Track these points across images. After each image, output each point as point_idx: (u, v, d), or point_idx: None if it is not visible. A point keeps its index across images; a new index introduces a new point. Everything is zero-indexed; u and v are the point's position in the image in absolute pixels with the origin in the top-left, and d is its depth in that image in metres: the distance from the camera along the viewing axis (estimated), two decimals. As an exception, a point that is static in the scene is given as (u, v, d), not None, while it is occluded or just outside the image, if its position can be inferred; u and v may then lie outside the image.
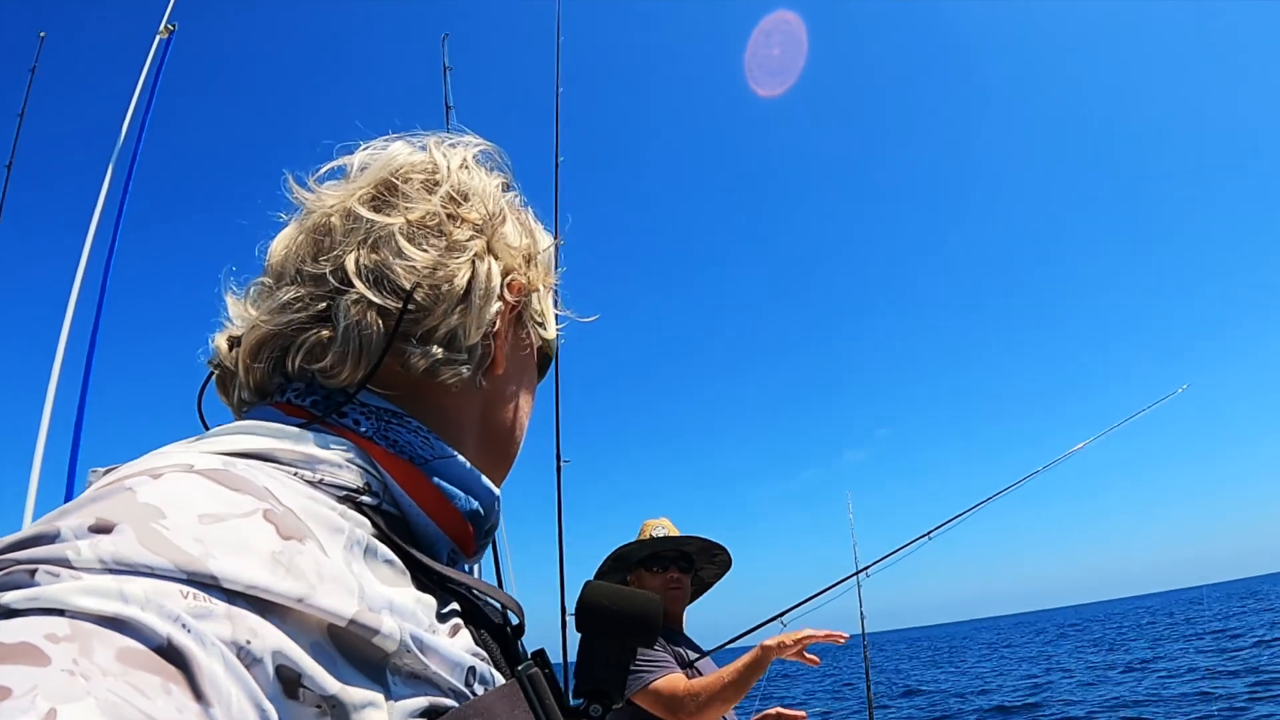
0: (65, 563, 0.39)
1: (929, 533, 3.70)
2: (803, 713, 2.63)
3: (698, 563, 3.10)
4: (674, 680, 2.64)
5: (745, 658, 2.69)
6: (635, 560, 3.02)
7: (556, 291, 0.82)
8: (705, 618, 3.16)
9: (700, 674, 2.79)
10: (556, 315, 0.82)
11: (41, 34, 5.11)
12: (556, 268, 0.82)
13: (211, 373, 0.70)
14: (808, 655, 2.71)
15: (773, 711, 2.69)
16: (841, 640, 2.71)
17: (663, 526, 3.04)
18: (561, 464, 3.73)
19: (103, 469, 0.51)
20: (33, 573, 0.39)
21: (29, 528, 0.42)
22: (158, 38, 3.39)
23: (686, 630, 3.07)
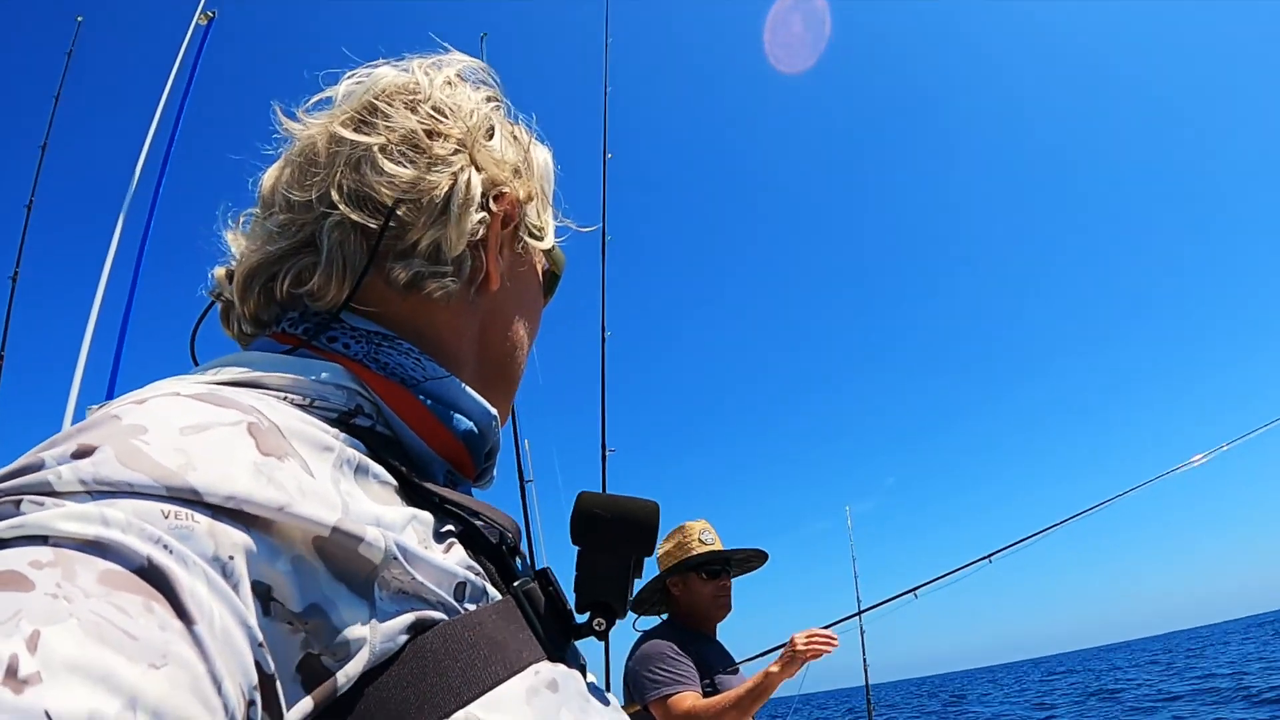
0: (48, 489, 0.40)
1: (917, 588, 3.83)
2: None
3: (733, 569, 3.14)
4: (683, 698, 2.67)
5: (750, 682, 2.72)
6: (689, 566, 3.03)
7: (557, 204, 0.81)
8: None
9: (717, 688, 2.80)
10: (557, 227, 0.80)
11: (79, 18, 5.10)
12: (553, 179, 0.80)
13: (209, 305, 0.71)
14: (822, 645, 2.77)
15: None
16: (834, 644, 2.77)
17: (707, 530, 3.08)
18: (607, 453, 3.70)
19: (97, 406, 0.51)
20: (18, 503, 0.40)
21: (17, 460, 0.43)
22: (194, 23, 3.36)
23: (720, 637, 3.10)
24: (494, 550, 0.62)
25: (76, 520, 0.38)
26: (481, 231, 0.68)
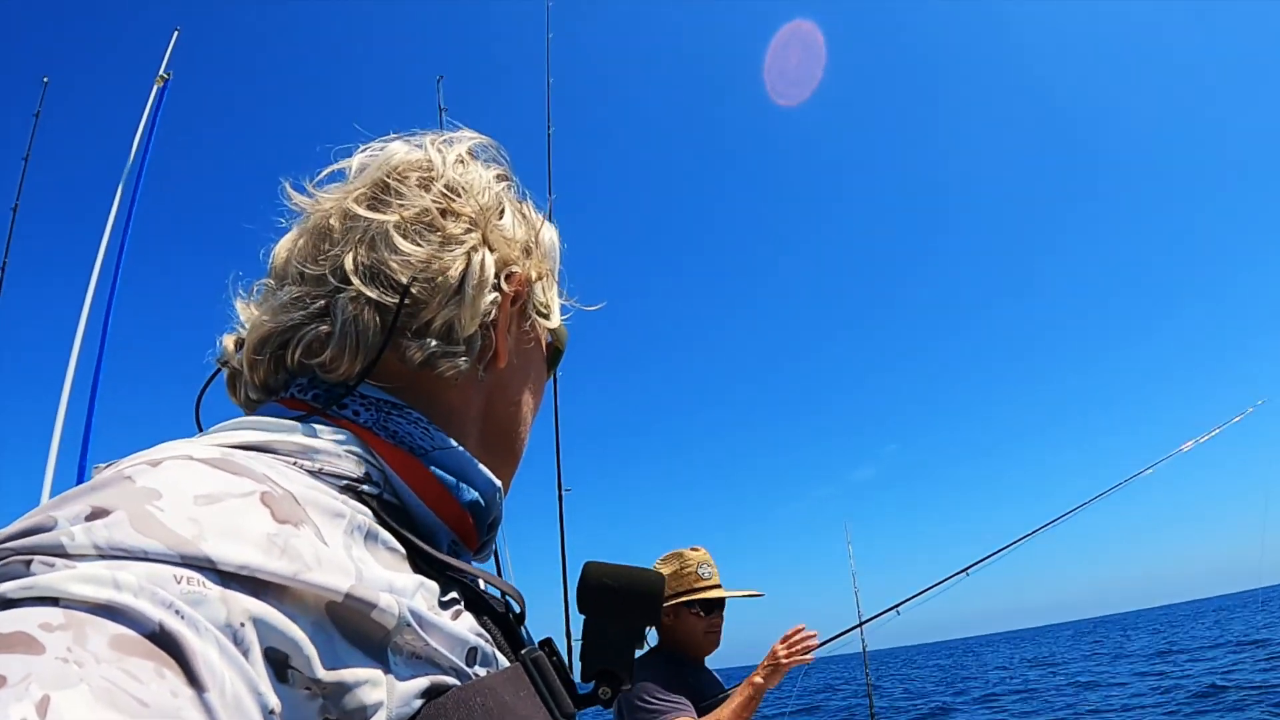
0: (60, 550, 0.40)
1: (907, 598, 3.72)
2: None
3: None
4: None
5: (740, 696, 2.71)
6: (686, 600, 3.01)
7: (561, 283, 0.82)
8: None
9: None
10: (562, 305, 0.81)
11: (45, 79, 5.21)
12: (558, 257, 0.81)
13: (215, 372, 0.72)
14: (802, 656, 2.80)
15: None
16: (813, 646, 2.81)
17: (706, 563, 3.05)
18: (563, 492, 3.74)
19: (104, 464, 0.51)
20: (28, 563, 0.39)
21: (27, 517, 0.42)
22: (155, 86, 3.48)
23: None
24: (501, 617, 0.64)
25: (89, 583, 0.38)
26: (494, 312, 0.69)
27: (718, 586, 3.02)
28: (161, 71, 3.46)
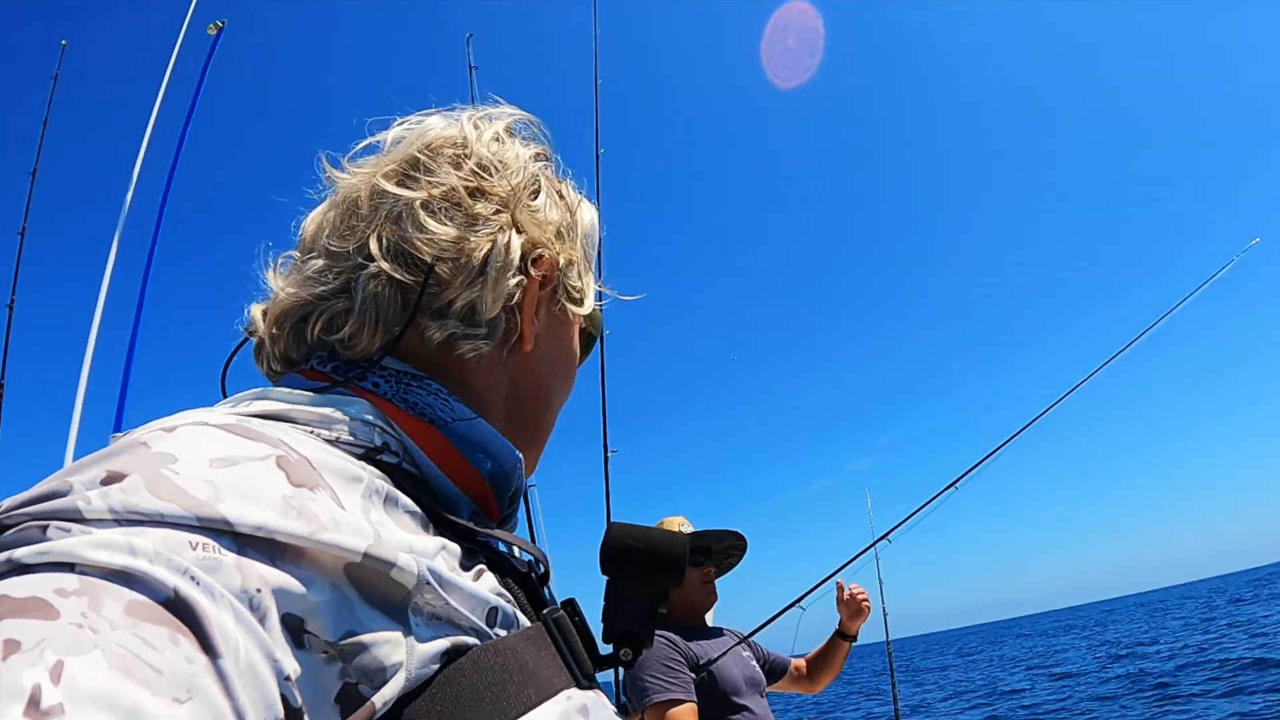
0: (77, 515, 0.39)
1: (953, 483, 3.67)
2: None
3: (716, 558, 3.16)
4: (682, 717, 2.61)
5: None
6: None
7: (599, 268, 0.80)
8: (725, 610, 3.20)
9: (715, 677, 2.80)
10: (598, 293, 0.79)
11: (63, 41, 5.12)
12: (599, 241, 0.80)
13: (242, 341, 0.72)
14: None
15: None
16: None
17: (685, 525, 3.09)
18: (609, 454, 3.74)
19: (122, 432, 0.51)
20: (44, 528, 0.39)
21: (43, 483, 0.42)
22: (194, 33, 3.41)
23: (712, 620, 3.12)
24: (524, 578, 0.63)
25: (104, 549, 0.38)
26: (518, 295, 0.68)
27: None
28: (216, 20, 3.37)
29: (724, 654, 2.86)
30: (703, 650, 2.84)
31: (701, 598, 3.02)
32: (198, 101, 3.39)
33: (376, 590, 0.47)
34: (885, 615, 6.19)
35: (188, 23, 3.78)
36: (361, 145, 0.73)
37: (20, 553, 0.38)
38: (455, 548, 0.56)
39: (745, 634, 3.13)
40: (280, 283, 0.68)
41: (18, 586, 0.36)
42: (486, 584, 0.56)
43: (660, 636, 2.77)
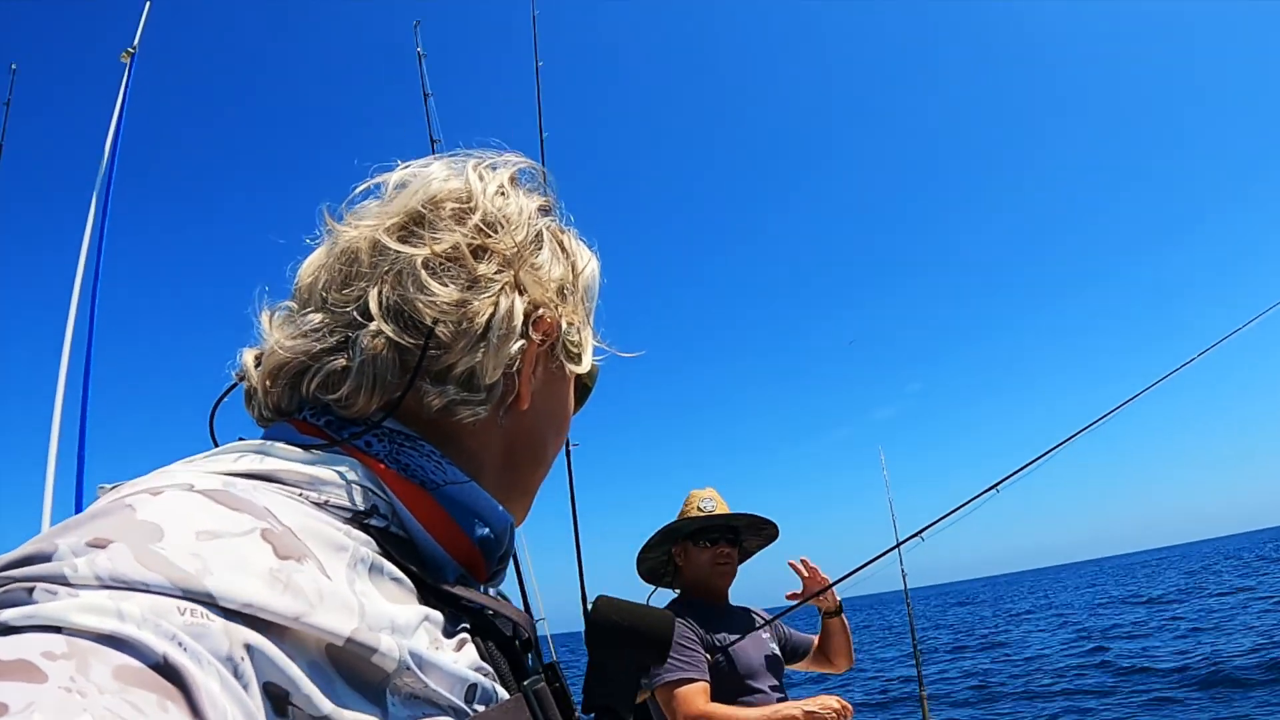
0: (62, 580, 0.39)
1: (995, 485, 3.43)
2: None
3: (744, 536, 3.09)
4: (693, 696, 2.60)
5: (767, 710, 2.59)
6: (684, 534, 3.01)
7: (596, 321, 0.79)
8: (744, 581, 3.15)
9: (733, 660, 2.78)
10: (595, 348, 0.77)
11: (13, 66, 5.09)
12: (596, 295, 0.79)
13: (232, 385, 0.70)
14: None
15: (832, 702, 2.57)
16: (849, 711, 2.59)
17: (710, 498, 3.03)
18: (570, 447, 3.74)
19: (110, 485, 0.51)
20: (30, 590, 0.39)
21: (27, 545, 0.42)
22: (124, 62, 3.39)
23: (732, 597, 3.08)
24: (507, 643, 0.63)
25: (92, 613, 0.38)
26: (519, 361, 0.67)
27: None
28: (130, 46, 3.37)
29: (741, 637, 2.83)
30: (722, 633, 2.82)
31: (715, 578, 2.98)
32: (121, 128, 3.37)
33: (356, 672, 0.48)
34: (909, 606, 6.25)
35: (136, 39, 3.79)
36: (362, 187, 0.72)
37: (6, 614, 0.38)
38: (438, 616, 0.56)
39: (771, 616, 3.09)
40: (277, 334, 0.67)
41: (4, 649, 0.36)
42: (467, 657, 0.57)
43: (678, 619, 2.71)
